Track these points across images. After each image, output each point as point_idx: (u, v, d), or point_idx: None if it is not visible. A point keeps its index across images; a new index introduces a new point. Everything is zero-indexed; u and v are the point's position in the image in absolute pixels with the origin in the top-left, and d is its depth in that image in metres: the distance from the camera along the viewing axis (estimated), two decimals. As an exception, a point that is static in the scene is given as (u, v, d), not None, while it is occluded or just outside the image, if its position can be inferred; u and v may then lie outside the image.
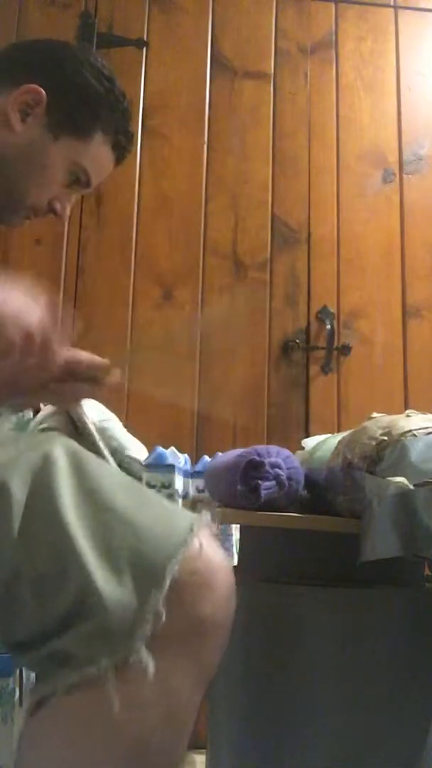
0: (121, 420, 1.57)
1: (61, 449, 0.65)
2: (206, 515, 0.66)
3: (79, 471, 0.65)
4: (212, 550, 0.64)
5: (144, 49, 2.21)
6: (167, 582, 0.60)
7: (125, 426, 1.56)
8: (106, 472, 0.67)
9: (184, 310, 2.08)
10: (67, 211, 1.04)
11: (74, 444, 0.68)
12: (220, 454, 1.25)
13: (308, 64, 2.27)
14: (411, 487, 0.92)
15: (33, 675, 1.48)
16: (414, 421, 1.04)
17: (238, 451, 1.14)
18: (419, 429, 1.01)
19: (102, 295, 2.06)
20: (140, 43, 2.20)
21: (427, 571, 1.17)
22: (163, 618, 0.59)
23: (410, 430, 1.01)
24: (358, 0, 2.33)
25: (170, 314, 2.07)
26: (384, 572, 1.03)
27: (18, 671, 1.34)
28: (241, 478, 1.05)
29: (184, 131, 2.19)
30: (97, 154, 1.01)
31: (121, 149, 1.05)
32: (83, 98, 0.99)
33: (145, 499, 0.67)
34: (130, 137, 1.05)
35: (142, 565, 0.60)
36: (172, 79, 2.21)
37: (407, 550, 0.89)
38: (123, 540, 0.61)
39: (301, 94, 2.25)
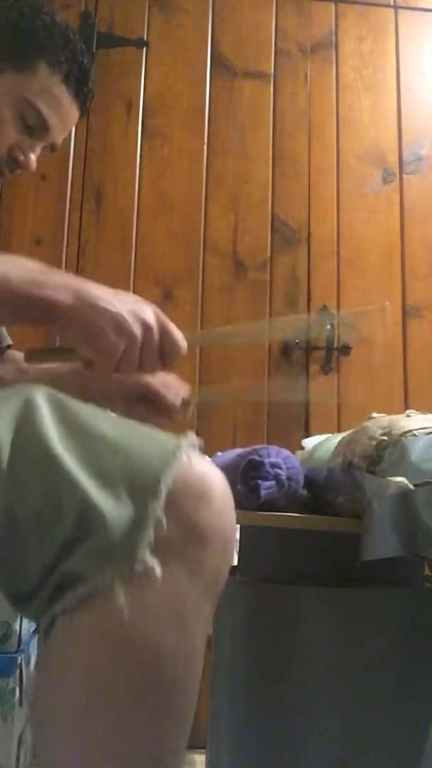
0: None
1: (40, 393, 0.66)
2: (192, 436, 0.67)
3: (61, 409, 0.65)
4: (203, 462, 0.65)
5: (144, 49, 2.21)
6: (163, 491, 0.61)
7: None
8: (89, 409, 0.68)
9: (184, 310, 2.08)
10: (32, 161, 0.98)
11: (53, 390, 0.68)
12: (220, 454, 1.25)
13: (308, 64, 2.27)
14: (411, 487, 0.92)
15: (32, 675, 1.48)
16: (414, 421, 1.04)
17: (238, 450, 1.14)
18: (419, 429, 1.01)
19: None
20: (140, 43, 2.20)
21: (427, 571, 1.17)
22: (164, 525, 0.60)
23: (410, 430, 1.01)
24: (358, 0, 2.33)
25: (170, 314, 2.05)
26: (384, 572, 1.03)
27: (18, 671, 1.34)
28: (240, 478, 1.05)
29: (184, 131, 2.19)
30: (46, 87, 0.95)
31: (76, 82, 0.97)
32: (19, 29, 0.95)
33: (130, 427, 0.68)
34: (85, 69, 0.99)
35: (137, 479, 0.61)
36: (172, 79, 2.21)
37: (407, 550, 0.89)
38: (114, 461, 0.62)
39: (301, 94, 2.25)
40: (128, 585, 0.58)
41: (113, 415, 0.70)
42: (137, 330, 0.73)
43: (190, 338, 0.81)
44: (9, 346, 1.11)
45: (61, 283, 0.71)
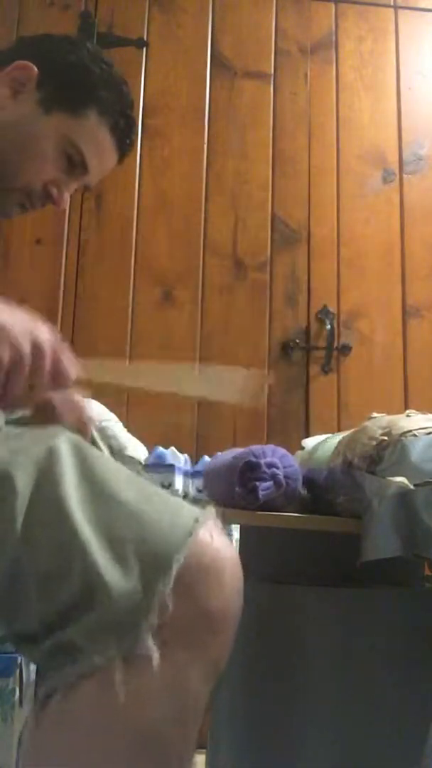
0: (121, 420, 1.57)
1: (65, 443, 0.65)
2: (212, 509, 0.65)
3: (83, 464, 0.64)
4: (220, 542, 0.63)
5: (144, 49, 2.21)
6: (174, 572, 0.59)
7: (125, 426, 1.56)
8: (112, 466, 0.67)
9: (184, 310, 2.08)
10: (65, 199, 1.01)
11: (78, 438, 0.67)
12: (219, 454, 1.25)
13: (308, 64, 2.27)
14: (411, 487, 0.92)
15: (32, 674, 1.48)
16: (414, 421, 1.04)
17: (235, 451, 1.14)
18: (419, 429, 1.01)
19: (102, 295, 2.06)
20: (140, 43, 2.20)
21: (427, 571, 1.17)
22: (170, 608, 0.58)
23: (410, 430, 1.01)
24: (358, 0, 2.33)
25: (170, 314, 2.07)
26: (384, 572, 1.03)
27: (18, 671, 1.34)
28: (238, 480, 1.05)
29: (184, 131, 2.19)
30: (93, 134, 0.98)
31: (121, 134, 1.01)
32: (76, 74, 0.98)
33: (150, 493, 0.66)
34: (131, 123, 1.03)
35: (148, 555, 0.60)
36: (172, 79, 2.21)
37: (407, 550, 0.89)
38: (128, 530, 0.61)
39: (301, 94, 2.25)
40: (128, 668, 0.57)
41: (133, 474, 0.68)
42: (25, 347, 0.67)
43: (88, 366, 0.76)
44: None
45: None
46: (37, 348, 0.68)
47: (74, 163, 0.99)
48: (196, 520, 0.63)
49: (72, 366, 0.72)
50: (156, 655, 0.57)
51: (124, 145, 1.03)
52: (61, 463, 0.63)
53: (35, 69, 0.96)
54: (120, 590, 0.58)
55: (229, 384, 1.00)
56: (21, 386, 0.68)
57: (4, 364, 0.66)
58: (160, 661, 0.58)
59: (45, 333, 0.69)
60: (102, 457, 0.68)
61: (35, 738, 0.61)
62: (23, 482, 0.61)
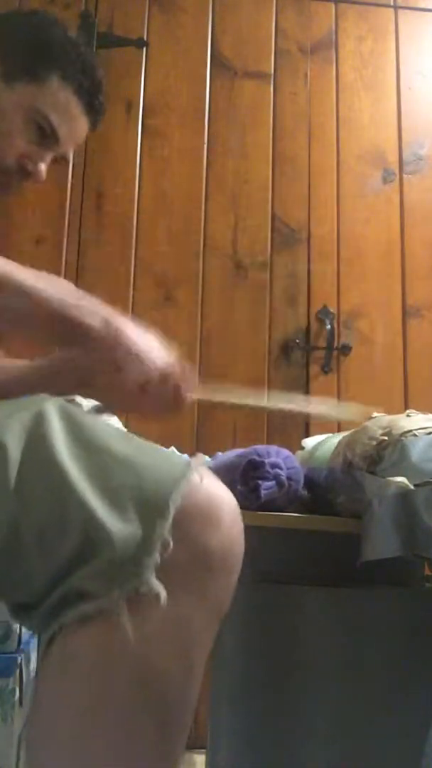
0: (121, 420, 1.57)
1: (52, 406, 0.66)
2: (202, 456, 0.67)
3: (72, 423, 0.65)
4: (214, 483, 0.64)
5: (144, 49, 2.21)
6: (171, 512, 0.60)
7: (125, 426, 1.56)
8: (100, 423, 0.67)
9: (184, 310, 2.08)
10: (42, 171, 0.99)
11: (64, 402, 0.68)
12: (220, 454, 1.25)
13: (308, 64, 2.27)
14: (411, 487, 0.92)
15: (32, 674, 1.48)
16: (414, 421, 1.04)
17: (238, 451, 1.14)
18: (419, 429, 1.01)
19: (102, 295, 2.05)
20: (140, 43, 2.20)
21: (427, 571, 1.17)
22: (171, 546, 0.59)
23: (410, 430, 1.01)
24: (358, 0, 2.33)
25: (170, 314, 2.07)
26: (384, 572, 1.03)
27: (18, 671, 1.34)
28: (240, 479, 1.05)
29: (184, 131, 2.19)
30: (58, 99, 0.97)
31: (87, 95, 0.99)
32: (33, 43, 0.97)
33: (140, 444, 0.67)
34: (96, 83, 1.00)
35: (145, 499, 0.60)
36: (172, 79, 2.21)
37: (407, 550, 0.89)
38: (122, 477, 0.61)
39: (301, 94, 2.25)
40: (132, 607, 0.58)
41: (123, 430, 0.70)
42: (156, 372, 0.75)
43: (202, 391, 0.84)
44: None
45: (94, 309, 0.74)
46: (163, 376, 0.76)
47: (45, 133, 0.97)
48: (189, 464, 0.64)
49: (189, 392, 0.80)
50: (163, 593, 0.58)
51: (92, 107, 1.01)
52: (50, 423, 0.64)
53: None
54: (120, 533, 0.59)
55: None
56: (141, 408, 0.76)
57: (131, 388, 0.74)
58: (159, 603, 0.58)
59: (173, 359, 0.77)
60: (90, 417, 0.68)
61: (40, 675, 0.61)
62: (13, 444, 0.61)
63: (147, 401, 0.76)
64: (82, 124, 1.01)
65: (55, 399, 0.68)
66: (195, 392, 0.82)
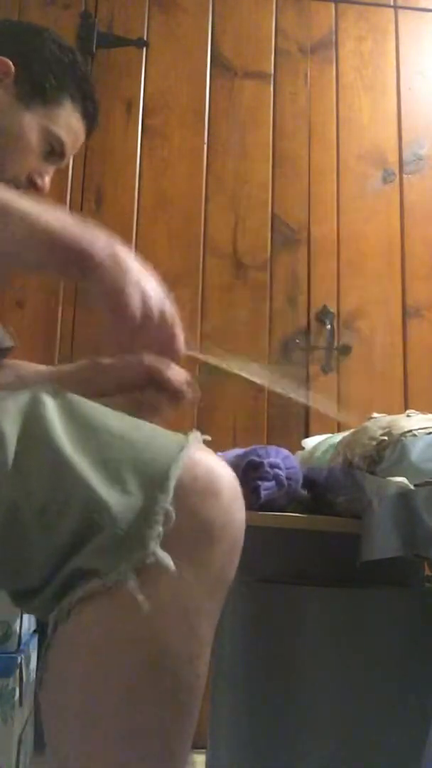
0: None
1: (47, 390, 0.66)
2: (197, 434, 0.67)
3: (67, 404, 0.65)
4: (211, 458, 0.65)
5: (144, 49, 2.20)
6: (172, 484, 0.60)
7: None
8: (95, 404, 0.68)
9: (184, 310, 2.07)
10: (47, 185, 1.05)
11: (59, 387, 0.68)
12: (220, 454, 1.25)
13: (308, 64, 2.27)
14: (411, 487, 0.92)
15: (32, 674, 1.48)
16: (414, 421, 1.04)
17: (238, 451, 1.14)
18: (419, 429, 1.01)
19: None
20: (140, 43, 2.20)
21: (427, 571, 1.17)
22: (173, 518, 0.59)
23: (410, 430, 1.01)
24: (358, 0, 2.33)
25: (170, 314, 2.06)
26: (384, 572, 1.03)
27: (18, 671, 1.34)
28: (240, 479, 1.05)
29: (184, 131, 2.18)
30: (69, 121, 1.03)
31: (91, 118, 1.07)
32: (49, 67, 1.02)
33: (136, 422, 0.68)
34: (97, 104, 1.08)
35: (144, 473, 0.61)
36: (172, 79, 2.21)
37: (407, 550, 0.89)
38: (121, 453, 0.62)
39: (301, 94, 2.25)
40: (140, 579, 0.58)
41: (117, 412, 0.70)
42: (155, 302, 0.75)
43: (189, 348, 0.83)
44: (10, 349, 1.11)
45: (98, 238, 0.73)
46: (162, 313, 0.76)
47: (54, 151, 1.03)
48: (186, 439, 0.65)
49: (181, 343, 0.80)
50: (170, 562, 0.58)
51: (91, 128, 1.09)
52: (46, 405, 0.64)
53: (11, 65, 1.00)
54: (122, 507, 0.59)
55: None
56: (145, 340, 0.75)
57: (137, 316, 0.73)
58: (165, 575, 0.58)
59: (170, 306, 0.77)
60: (86, 400, 0.68)
61: (50, 657, 0.61)
62: (9, 426, 0.62)
63: (145, 337, 0.75)
64: (82, 140, 1.09)
65: (49, 384, 0.68)
66: (194, 351, 0.83)
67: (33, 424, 0.63)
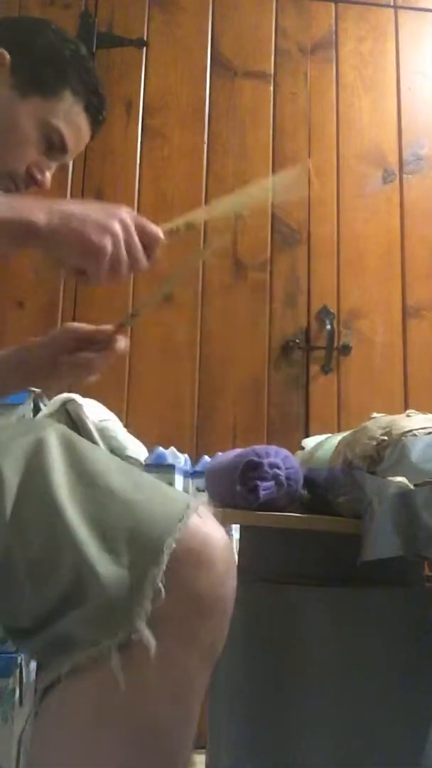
0: (121, 420, 1.57)
1: (54, 434, 0.66)
2: (202, 496, 0.66)
3: (72, 454, 0.65)
4: (210, 526, 0.64)
5: (144, 49, 2.21)
6: (165, 558, 0.59)
7: (125, 426, 1.56)
8: (100, 455, 0.67)
9: (184, 310, 2.08)
10: (49, 180, 1.03)
11: (67, 429, 0.68)
12: (220, 454, 1.25)
13: (308, 64, 2.27)
14: (411, 486, 0.92)
15: (33, 674, 1.48)
16: (414, 421, 1.04)
17: (237, 451, 1.14)
18: (420, 429, 1.01)
19: (102, 294, 2.06)
20: (140, 43, 2.20)
21: (427, 571, 1.17)
22: (163, 595, 0.58)
23: (411, 430, 1.01)
24: (358, 0, 2.33)
25: (170, 314, 2.07)
26: (384, 572, 1.02)
27: (18, 671, 1.34)
28: (239, 479, 1.05)
29: (183, 131, 2.19)
30: (69, 114, 1.01)
31: (95, 111, 1.04)
32: (48, 58, 1.00)
33: (139, 480, 0.66)
34: (102, 99, 1.05)
35: (139, 543, 0.60)
36: (172, 79, 2.21)
37: (407, 550, 0.89)
38: (118, 519, 0.61)
39: (301, 94, 2.25)
40: (123, 655, 0.57)
41: (124, 463, 0.69)
42: (116, 227, 0.76)
43: (165, 227, 0.87)
44: None
45: (34, 205, 0.74)
46: (124, 225, 0.77)
47: (54, 145, 1.01)
48: (188, 506, 0.63)
49: (156, 232, 0.83)
50: (152, 641, 0.57)
51: (97, 121, 1.05)
52: (50, 452, 0.63)
53: (7, 55, 0.98)
54: (111, 578, 0.58)
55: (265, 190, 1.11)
56: (123, 263, 0.78)
57: (107, 248, 0.75)
58: (155, 647, 0.58)
59: (123, 212, 0.78)
60: (90, 446, 0.68)
61: (36, 730, 0.61)
62: (11, 471, 0.61)
63: (120, 254, 0.77)
64: (86, 136, 1.06)
65: (57, 424, 0.68)
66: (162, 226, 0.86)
67: (35, 474, 0.62)
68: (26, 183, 1.02)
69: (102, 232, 0.74)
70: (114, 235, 0.75)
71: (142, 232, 0.81)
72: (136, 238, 0.79)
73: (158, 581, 0.58)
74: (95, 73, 1.05)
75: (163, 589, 0.58)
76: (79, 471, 0.63)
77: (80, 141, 1.05)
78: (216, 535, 0.63)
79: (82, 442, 0.67)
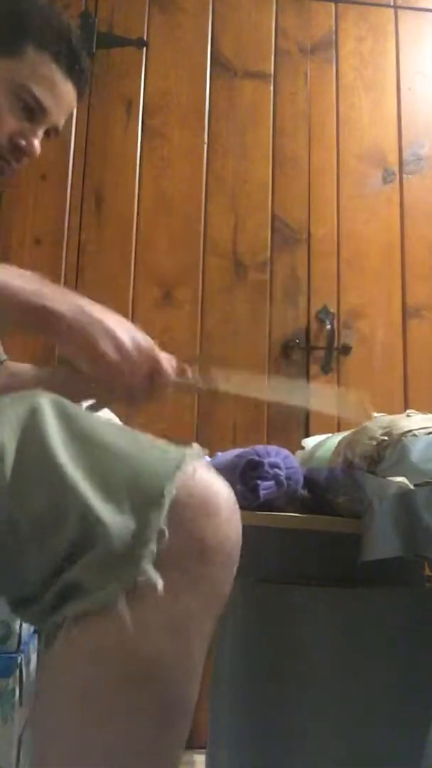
0: (121, 420, 1.56)
1: (46, 400, 0.66)
2: (198, 448, 0.67)
3: (67, 416, 0.65)
4: (209, 474, 0.65)
5: (144, 49, 2.20)
6: (166, 503, 0.60)
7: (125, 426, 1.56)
8: (94, 417, 0.68)
9: (184, 310, 2.08)
10: (36, 146, 0.97)
11: (59, 397, 0.68)
12: (220, 454, 1.25)
13: (308, 64, 2.27)
14: (411, 486, 0.92)
15: (33, 674, 1.48)
16: (414, 421, 1.04)
17: (238, 450, 1.14)
18: (419, 429, 1.01)
19: (102, 295, 2.04)
20: (140, 43, 2.20)
21: (427, 571, 1.17)
22: (167, 536, 0.59)
23: (411, 430, 1.01)
24: (358, 0, 2.33)
25: (170, 314, 2.07)
26: (384, 572, 1.03)
27: (18, 671, 1.34)
28: (240, 478, 1.05)
29: (184, 131, 2.18)
30: (37, 69, 0.93)
31: (67, 61, 0.95)
32: (3, 15, 0.94)
33: (135, 436, 0.67)
34: (74, 48, 0.97)
35: (140, 491, 0.61)
36: (172, 79, 2.21)
37: (407, 550, 0.89)
38: (117, 470, 0.62)
39: (301, 94, 2.25)
40: (130, 598, 0.58)
41: (118, 423, 0.70)
42: (130, 346, 0.77)
43: (180, 380, 0.86)
44: (2, 362, 1.10)
45: (59, 295, 0.75)
46: (139, 350, 0.78)
47: (31, 107, 0.95)
48: (184, 455, 0.64)
49: (168, 375, 0.82)
50: (160, 583, 0.58)
51: (73, 71, 0.97)
52: (44, 417, 0.64)
53: None
54: (116, 525, 0.59)
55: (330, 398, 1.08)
56: (124, 384, 0.77)
57: (112, 362, 0.75)
58: (158, 594, 0.58)
59: (145, 340, 0.79)
60: (84, 411, 0.68)
61: (42, 675, 0.62)
62: (8, 438, 0.62)
63: (129, 378, 0.77)
64: (67, 91, 0.98)
65: (48, 393, 0.68)
66: (196, 380, 0.86)
67: (32, 436, 0.62)
68: (13, 154, 0.96)
69: (114, 344, 0.76)
70: (124, 353, 0.76)
71: (155, 368, 0.81)
72: (144, 368, 0.79)
73: (161, 524, 0.59)
74: (64, 21, 0.97)
75: (167, 531, 0.59)
76: (74, 431, 0.64)
77: (59, 97, 0.96)
78: (218, 484, 0.64)
79: (74, 407, 0.67)
